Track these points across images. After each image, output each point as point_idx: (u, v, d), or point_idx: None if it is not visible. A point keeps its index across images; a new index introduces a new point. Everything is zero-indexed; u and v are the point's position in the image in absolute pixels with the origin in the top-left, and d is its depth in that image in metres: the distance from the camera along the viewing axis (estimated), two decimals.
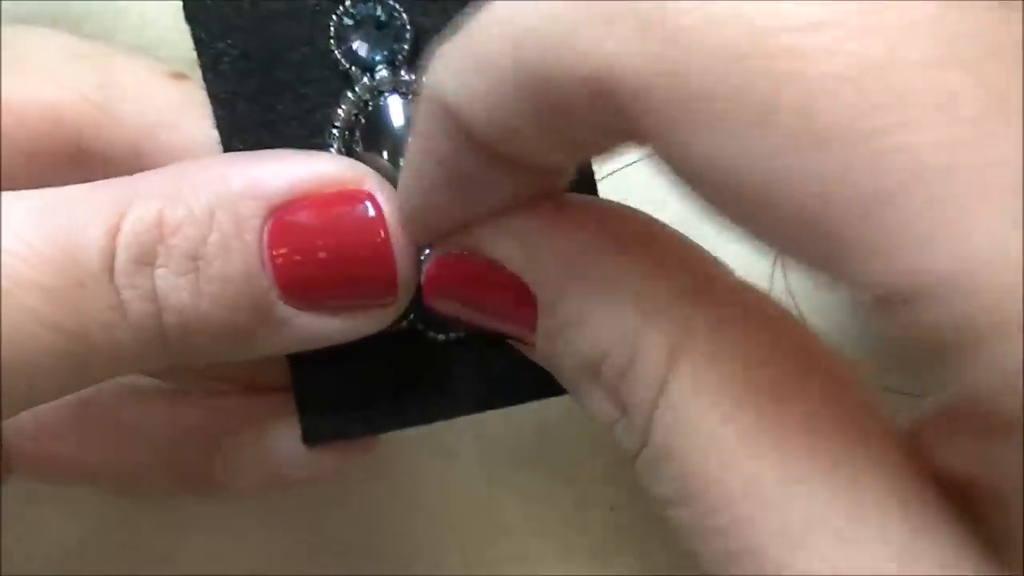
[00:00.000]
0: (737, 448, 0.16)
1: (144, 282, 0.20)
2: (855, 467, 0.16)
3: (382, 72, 0.22)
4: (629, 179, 0.25)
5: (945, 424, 0.16)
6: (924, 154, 0.12)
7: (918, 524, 0.15)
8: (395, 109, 0.22)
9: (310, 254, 0.20)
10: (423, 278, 0.21)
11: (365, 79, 0.22)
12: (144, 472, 0.26)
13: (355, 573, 0.30)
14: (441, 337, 0.23)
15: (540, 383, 0.21)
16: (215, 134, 0.22)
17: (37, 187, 0.24)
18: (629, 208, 0.20)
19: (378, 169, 0.21)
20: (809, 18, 0.13)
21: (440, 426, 0.29)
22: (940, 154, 0.12)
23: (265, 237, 0.20)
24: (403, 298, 0.21)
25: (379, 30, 0.22)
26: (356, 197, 0.20)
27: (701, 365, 0.17)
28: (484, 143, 0.17)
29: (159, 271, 0.20)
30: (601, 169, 0.23)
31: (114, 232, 0.19)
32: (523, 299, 0.19)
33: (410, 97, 0.22)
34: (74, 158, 0.23)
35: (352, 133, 0.22)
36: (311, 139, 0.22)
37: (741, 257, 0.17)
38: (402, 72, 0.22)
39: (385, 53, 0.22)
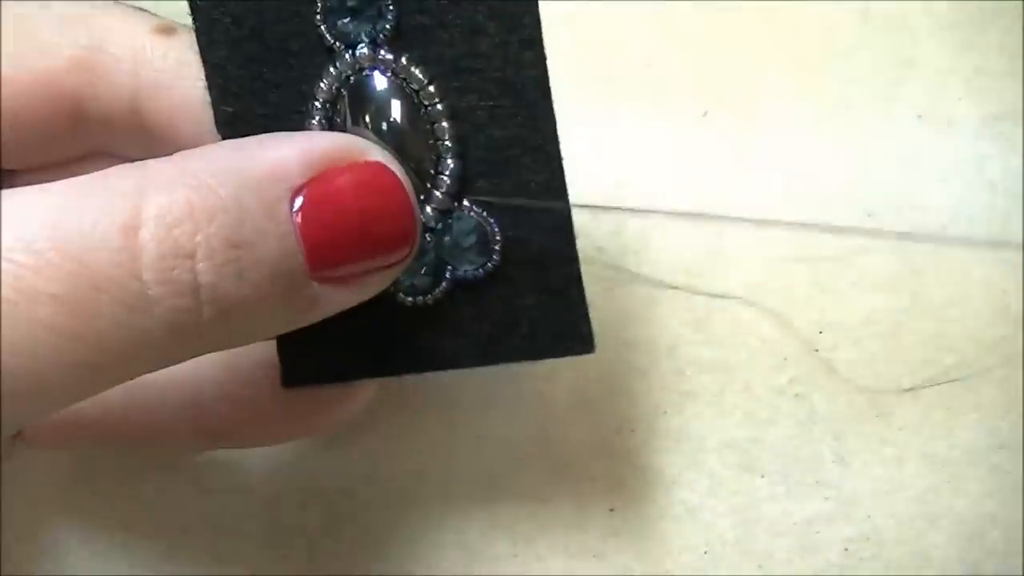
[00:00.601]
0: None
1: (183, 276, 0.19)
2: None
3: (363, 50, 0.23)
4: None
5: None
6: None
7: None
8: (375, 85, 0.23)
9: (342, 225, 0.21)
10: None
11: (347, 55, 0.23)
12: (167, 431, 0.26)
13: (355, 573, 0.30)
14: (409, 300, 0.24)
15: (510, 346, 0.23)
16: (207, 96, 0.23)
17: (41, 157, 0.24)
18: None
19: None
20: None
21: (440, 426, 0.30)
22: None
23: (297, 217, 0.20)
24: (414, 251, 0.22)
25: (363, 9, 0.22)
26: (370, 166, 0.21)
27: None
28: None
29: (201, 265, 0.19)
30: None
31: (130, 230, 0.19)
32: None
33: (389, 74, 0.23)
34: (74, 124, 0.23)
35: (334, 106, 0.23)
36: (294, 107, 0.23)
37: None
38: (382, 51, 0.23)
39: (369, 30, 0.23)
